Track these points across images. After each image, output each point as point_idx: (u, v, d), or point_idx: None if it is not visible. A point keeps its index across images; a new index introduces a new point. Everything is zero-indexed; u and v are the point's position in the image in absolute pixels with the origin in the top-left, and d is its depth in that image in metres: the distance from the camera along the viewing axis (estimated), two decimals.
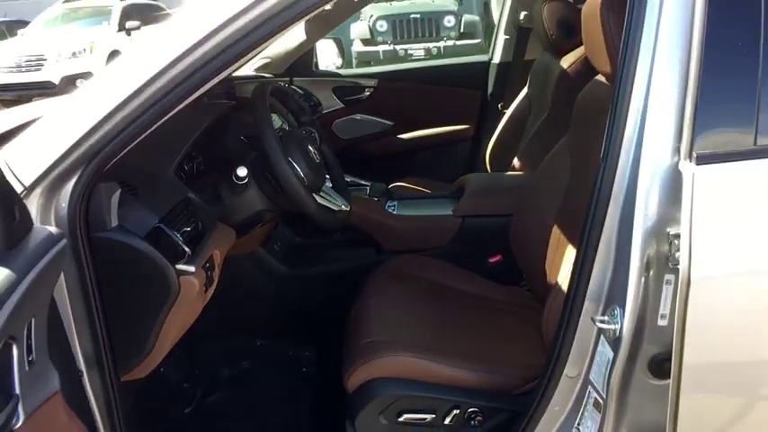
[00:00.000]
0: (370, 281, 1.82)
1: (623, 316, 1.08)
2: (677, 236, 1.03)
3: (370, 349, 1.47)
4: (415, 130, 2.96)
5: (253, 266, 2.07)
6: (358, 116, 2.95)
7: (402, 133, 2.96)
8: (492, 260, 2.02)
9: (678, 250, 1.03)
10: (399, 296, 1.73)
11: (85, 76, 9.05)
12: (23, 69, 8.96)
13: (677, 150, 1.05)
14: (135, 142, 1.18)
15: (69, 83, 8.84)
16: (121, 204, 1.24)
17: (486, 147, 2.75)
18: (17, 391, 0.75)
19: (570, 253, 1.50)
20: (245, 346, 2.13)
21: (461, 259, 1.98)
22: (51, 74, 8.92)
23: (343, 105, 2.93)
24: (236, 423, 1.82)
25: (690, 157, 1.04)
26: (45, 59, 9.00)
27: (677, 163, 1.05)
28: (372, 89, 2.95)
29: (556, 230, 1.71)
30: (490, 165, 2.69)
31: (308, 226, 2.27)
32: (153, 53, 1.14)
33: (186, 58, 1.11)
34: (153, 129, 1.17)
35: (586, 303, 1.17)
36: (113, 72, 1.20)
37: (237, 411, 1.87)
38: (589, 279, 1.17)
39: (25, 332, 0.80)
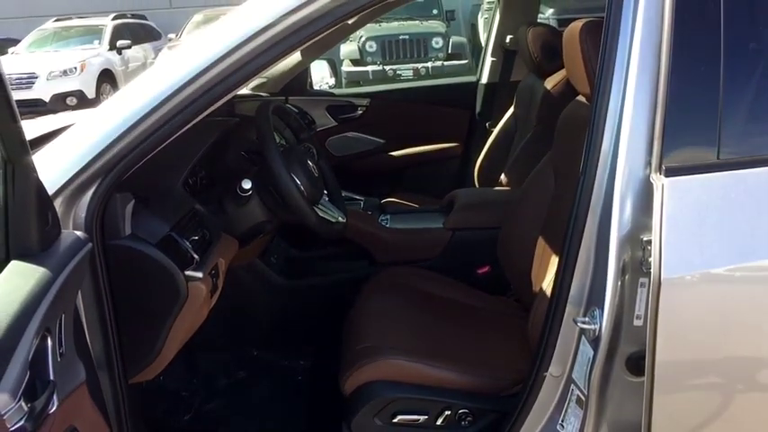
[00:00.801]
0: (365, 290, 1.91)
1: (602, 317, 1.18)
2: (650, 242, 1.13)
3: (366, 353, 1.55)
4: (406, 147, 3.06)
5: (250, 278, 2.14)
6: (351, 134, 3.04)
7: (393, 150, 3.06)
8: (480, 271, 2.12)
9: (651, 255, 1.13)
10: (393, 304, 1.82)
11: (76, 94, 9.14)
12: (14, 87, 8.99)
13: (649, 163, 1.16)
14: (149, 156, 1.26)
15: (60, 101, 8.91)
16: (134, 214, 1.32)
17: (475, 163, 2.85)
18: (52, 377, 0.82)
19: (554, 262, 1.59)
20: (242, 356, 2.19)
21: (451, 270, 2.06)
22: (42, 92, 8.98)
23: (336, 123, 3.03)
24: (234, 429, 1.88)
25: (660, 169, 1.14)
26: (36, 77, 9.06)
27: (648, 175, 1.15)
28: (365, 108, 3.05)
29: (541, 241, 1.81)
30: (478, 181, 2.80)
31: (305, 239, 2.36)
32: (169, 72, 1.23)
33: (200, 78, 1.21)
34: (166, 144, 1.26)
35: (569, 307, 1.27)
36: (133, 90, 1.29)
37: (236, 418, 1.94)
38: (571, 284, 1.26)
39: (57, 326, 0.88)
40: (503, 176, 2.57)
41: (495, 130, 2.83)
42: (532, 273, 1.80)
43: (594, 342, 1.20)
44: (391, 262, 2.15)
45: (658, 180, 1.13)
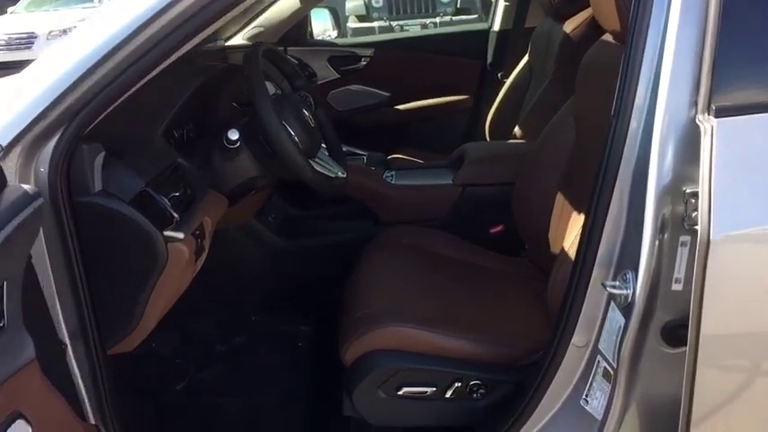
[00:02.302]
0: (367, 252, 1.76)
1: (636, 280, 1.03)
2: (694, 194, 0.97)
3: (368, 321, 1.41)
4: (413, 100, 2.88)
5: (246, 239, 2.01)
6: (354, 87, 2.86)
7: (399, 104, 2.88)
8: (493, 230, 1.97)
9: (695, 210, 0.97)
10: (397, 267, 1.67)
11: None
12: (13, 47, 8.77)
13: (694, 103, 0.99)
14: (119, 101, 1.11)
15: None
16: (106, 167, 1.17)
17: (486, 117, 2.68)
18: None
19: (576, 219, 1.44)
20: (239, 321, 2.08)
21: (461, 229, 1.92)
22: (41, 52, 8.77)
23: (338, 76, 2.85)
24: (229, 399, 1.77)
25: (708, 109, 0.97)
26: (35, 37, 8.83)
27: (694, 117, 0.99)
28: (369, 59, 2.86)
29: (560, 197, 1.65)
30: (490, 135, 2.63)
31: (304, 196, 2.22)
32: (132, 9, 1.07)
33: (172, 9, 1.04)
34: (138, 87, 1.11)
35: (596, 269, 1.12)
36: (93, 28, 1.12)
37: (231, 387, 1.83)
38: (599, 243, 1.11)
39: None
40: (516, 129, 2.40)
41: (508, 81, 2.64)
42: (551, 232, 1.65)
43: (626, 309, 1.05)
44: (397, 221, 2.00)
45: (706, 122, 0.97)
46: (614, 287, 1.06)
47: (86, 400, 1.19)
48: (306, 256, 2.10)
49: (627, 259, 1.07)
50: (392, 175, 2.12)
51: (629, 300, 1.04)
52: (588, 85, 1.62)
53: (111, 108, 1.12)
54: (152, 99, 1.39)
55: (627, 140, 1.06)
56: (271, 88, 1.72)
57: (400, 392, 1.38)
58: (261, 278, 2.09)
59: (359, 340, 1.39)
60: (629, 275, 1.04)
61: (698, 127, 0.97)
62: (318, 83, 2.80)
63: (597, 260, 1.11)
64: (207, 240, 1.36)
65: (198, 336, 2.02)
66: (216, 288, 2.07)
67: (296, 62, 2.59)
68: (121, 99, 1.11)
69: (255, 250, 2.03)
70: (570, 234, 1.43)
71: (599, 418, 1.14)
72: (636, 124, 1.06)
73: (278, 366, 1.91)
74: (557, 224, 1.64)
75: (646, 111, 1.04)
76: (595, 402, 1.15)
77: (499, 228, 1.96)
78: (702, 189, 0.94)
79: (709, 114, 0.97)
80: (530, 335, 1.43)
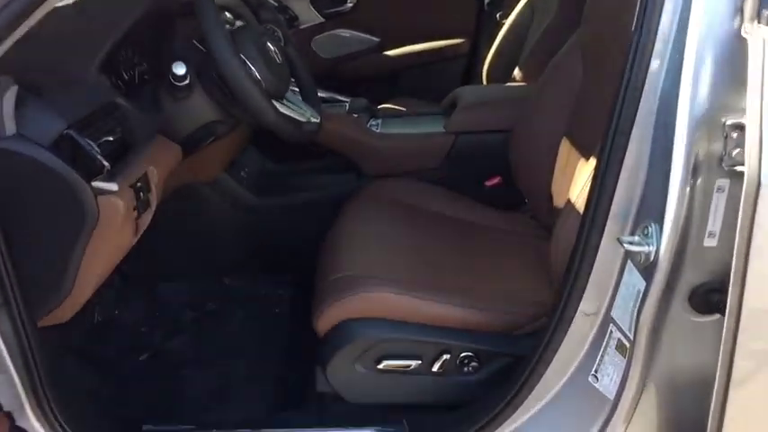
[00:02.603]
0: (346, 207, 1.57)
1: (659, 235, 0.84)
2: (738, 127, 0.78)
3: (343, 285, 1.23)
4: (405, 45, 2.65)
5: (216, 196, 1.81)
6: (341, 31, 2.63)
7: (390, 50, 2.65)
8: (489, 183, 1.77)
9: (737, 147, 0.78)
10: (379, 223, 1.48)
11: None
12: None
13: (739, 10, 0.78)
14: (27, 25, 0.90)
15: None
16: (21, 106, 0.97)
17: (483, 62, 2.45)
18: None
19: (585, 167, 1.24)
20: (211, 285, 1.90)
21: (454, 182, 1.72)
22: None
23: (323, 20, 2.61)
24: (198, 370, 1.60)
25: (758, 16, 0.77)
26: None
27: (739, 28, 0.78)
28: (356, 1, 2.61)
29: (566, 143, 1.45)
30: (488, 81, 2.40)
31: (282, 149, 2.01)
32: None
33: None
34: (52, 11, 0.90)
35: (610, 223, 0.93)
36: None
37: (201, 358, 1.65)
38: (613, 192, 0.92)
39: None
40: (516, 71, 2.18)
41: (508, 22, 2.40)
42: (555, 183, 1.46)
43: (647, 270, 0.87)
44: (382, 174, 1.80)
45: (756, 33, 0.76)
46: (632, 243, 0.87)
47: (15, 376, 1.02)
48: (283, 214, 1.90)
49: (648, 210, 0.88)
50: (377, 124, 1.91)
51: (651, 258, 0.85)
52: (598, 14, 1.41)
53: (21, 33, 0.91)
54: (85, 27, 1.18)
55: (651, 63, 0.86)
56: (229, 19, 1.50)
57: (380, 366, 1.20)
58: (234, 238, 1.91)
59: (332, 308, 1.21)
60: (652, 229, 0.85)
61: (744, 41, 0.77)
62: (300, 27, 2.56)
63: (611, 212, 0.92)
64: (154, 194, 1.17)
65: (165, 302, 1.84)
66: (185, 250, 1.90)
67: (275, 4, 2.36)
68: (29, 23, 0.90)
69: (228, 208, 1.83)
70: (577, 184, 1.23)
71: (611, 397, 0.97)
72: (662, 44, 0.86)
73: (252, 335, 1.74)
74: (561, 174, 1.44)
75: (675, 25, 0.84)
76: (606, 379, 0.98)
77: (496, 180, 1.76)
78: (751, 119, 0.75)
79: (759, 23, 0.76)
80: (530, 300, 1.25)
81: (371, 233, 1.43)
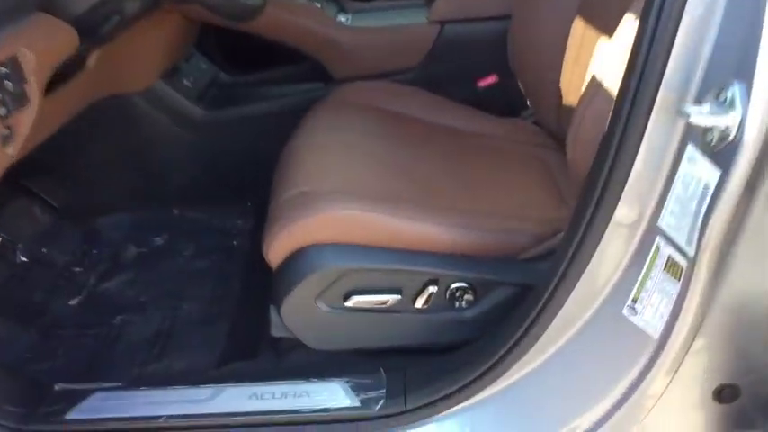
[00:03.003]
0: (308, 116, 1.28)
1: (747, 99, 0.56)
2: None
3: (297, 205, 0.95)
4: None
5: (154, 109, 1.51)
6: None
7: None
8: (482, 83, 1.47)
9: None
10: (347, 132, 1.19)
11: None
12: None
13: None
14: None
15: None
16: None
17: None
18: None
19: (608, 47, 0.95)
20: (158, 217, 1.61)
21: (439, 83, 1.43)
22: None
23: None
24: (137, 315, 1.34)
25: None
26: None
27: None
28: None
29: (579, 24, 1.15)
30: None
31: (236, 57, 1.71)
32: None
33: None
34: None
35: (663, 91, 0.65)
36: None
37: (142, 301, 1.39)
38: (671, 48, 0.63)
39: None
40: None
41: None
42: (564, 78, 1.17)
43: (723, 155, 0.60)
44: (353, 77, 1.49)
45: None
46: (702, 114, 0.59)
47: None
48: (239, 131, 1.60)
49: (727, 65, 0.60)
50: (348, 18, 1.58)
51: (732, 136, 0.58)
52: None
53: None
54: None
55: None
56: None
57: (349, 303, 0.94)
58: (182, 161, 1.61)
59: (285, 232, 0.94)
60: (734, 91, 0.58)
61: None
62: None
63: (665, 79, 0.64)
64: (32, 86, 0.86)
65: (104, 237, 1.56)
66: (124, 176, 1.61)
67: None
68: None
69: (167, 123, 1.53)
70: (596, 71, 0.94)
71: (654, 334, 0.72)
72: None
73: (205, 272, 1.47)
74: (574, 64, 1.16)
75: None
76: (649, 312, 0.72)
77: (491, 79, 1.46)
78: None
79: None
80: (537, 217, 0.99)
81: (337, 143, 1.14)
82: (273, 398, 0.93)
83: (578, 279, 0.76)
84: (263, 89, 1.68)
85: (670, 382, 0.74)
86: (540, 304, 0.79)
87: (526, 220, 0.98)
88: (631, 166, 0.68)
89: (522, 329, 0.81)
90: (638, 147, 0.67)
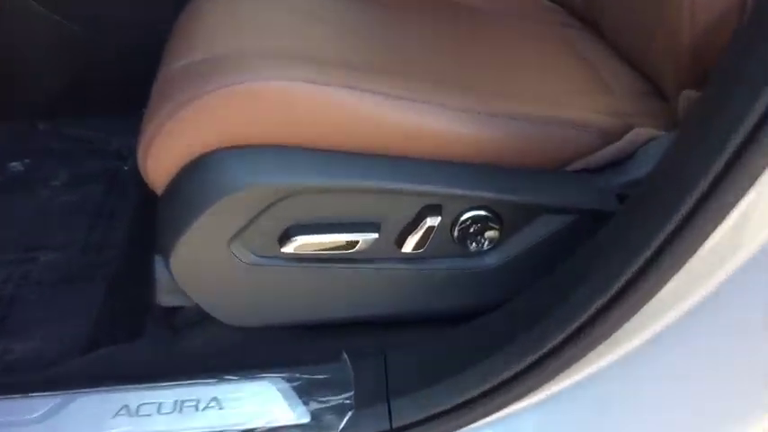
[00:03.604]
0: None
1: None
2: None
3: (193, 76, 0.54)
4: None
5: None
6: None
7: None
8: None
9: None
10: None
11: None
12: None
13: None
14: None
15: None
16: None
17: None
18: None
19: None
20: (18, 133, 1.16)
21: None
22: None
23: None
24: None
25: None
26: None
27: None
28: None
29: None
30: None
31: None
32: None
33: None
34: None
35: None
36: None
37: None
38: None
39: None
40: None
41: None
42: None
43: None
44: None
45: None
46: None
47: None
48: (116, 19, 1.15)
49: None
50: None
51: None
52: None
53: None
54: None
55: None
56: None
57: (287, 249, 0.55)
58: (45, 63, 1.16)
59: (169, 127, 0.52)
60: None
61: None
62: None
63: None
64: None
65: None
66: None
67: None
68: None
69: (19, 21, 1.07)
70: None
71: None
72: None
73: (79, 209, 1.04)
74: None
75: None
76: None
77: None
78: None
79: None
80: (593, 106, 0.61)
81: (264, 6, 0.71)
82: (158, 413, 0.54)
83: (723, 217, 0.39)
84: None
85: None
86: (638, 258, 0.42)
87: (583, 108, 0.59)
88: None
89: (596, 300, 0.44)
90: None
